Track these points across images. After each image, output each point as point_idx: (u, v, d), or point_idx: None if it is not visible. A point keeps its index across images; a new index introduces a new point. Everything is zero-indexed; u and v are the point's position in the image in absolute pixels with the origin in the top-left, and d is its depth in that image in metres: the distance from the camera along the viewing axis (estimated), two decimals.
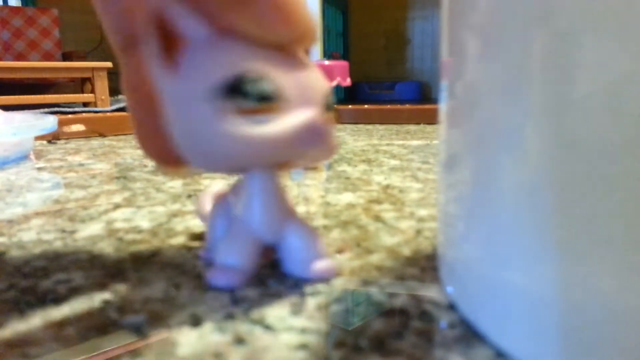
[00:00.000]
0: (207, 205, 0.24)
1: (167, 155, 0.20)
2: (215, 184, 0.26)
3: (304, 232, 0.20)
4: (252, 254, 0.20)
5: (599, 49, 0.11)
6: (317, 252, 0.20)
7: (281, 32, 0.17)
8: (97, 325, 0.17)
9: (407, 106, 0.99)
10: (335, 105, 0.20)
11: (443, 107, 0.18)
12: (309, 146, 0.17)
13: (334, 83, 0.72)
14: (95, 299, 0.19)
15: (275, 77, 0.17)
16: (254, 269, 0.20)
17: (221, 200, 0.21)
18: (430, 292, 0.19)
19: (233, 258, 0.19)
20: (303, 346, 0.15)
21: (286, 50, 0.18)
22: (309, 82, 0.18)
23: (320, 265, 0.20)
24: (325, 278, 0.20)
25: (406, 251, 0.24)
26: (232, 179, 0.22)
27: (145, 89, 0.19)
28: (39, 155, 0.59)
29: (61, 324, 0.17)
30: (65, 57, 1.59)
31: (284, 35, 0.17)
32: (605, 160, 0.12)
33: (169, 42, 0.17)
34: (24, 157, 0.56)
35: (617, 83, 0.11)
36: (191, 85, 0.17)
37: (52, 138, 0.73)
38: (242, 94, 0.17)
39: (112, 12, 0.20)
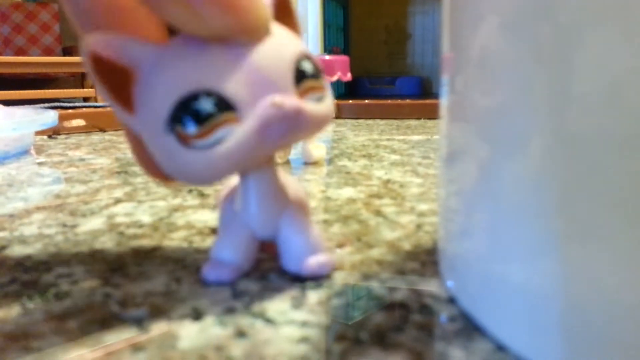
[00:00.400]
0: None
1: (159, 172, 0.19)
2: (235, 178, 0.26)
3: (300, 226, 0.20)
4: (247, 250, 0.20)
5: (601, 44, 0.11)
6: (313, 247, 0.20)
7: (219, 23, 0.15)
8: (99, 318, 0.17)
9: (408, 101, 0.98)
10: (317, 68, 0.18)
11: (444, 101, 0.18)
12: (279, 140, 0.16)
13: (334, 78, 0.72)
14: (97, 293, 0.19)
15: (218, 81, 0.16)
16: (249, 264, 0.20)
17: (230, 195, 0.21)
18: (430, 286, 0.19)
19: (227, 253, 0.19)
20: (304, 339, 0.15)
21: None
22: (262, 66, 0.16)
23: (316, 261, 0.19)
24: (321, 274, 0.19)
25: (406, 245, 0.24)
26: None
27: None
28: (39, 150, 0.59)
29: (63, 317, 0.17)
30: (66, 52, 1.59)
31: (223, 27, 0.16)
32: (607, 156, 0.12)
33: (120, 79, 0.17)
34: (24, 152, 0.56)
35: (618, 78, 0.11)
36: (145, 122, 0.17)
37: (53, 133, 0.73)
38: (185, 121, 0.16)
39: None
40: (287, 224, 0.19)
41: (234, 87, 0.16)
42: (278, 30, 0.17)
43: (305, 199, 0.21)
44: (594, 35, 0.12)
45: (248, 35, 0.16)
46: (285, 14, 0.19)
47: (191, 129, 0.16)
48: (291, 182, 0.21)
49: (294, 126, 0.16)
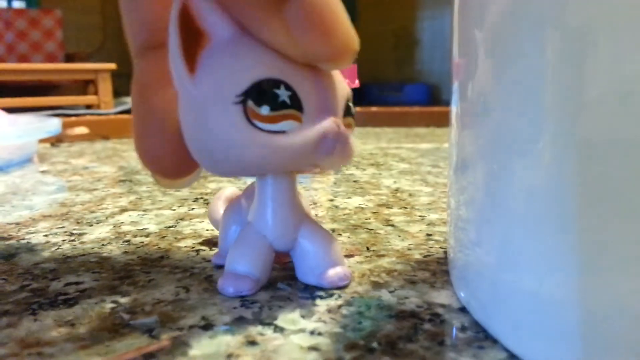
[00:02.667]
0: (220, 210, 0.24)
1: (165, 164, 0.19)
2: (228, 189, 0.26)
3: (317, 238, 0.20)
4: (264, 262, 0.19)
5: (612, 49, 0.12)
6: (331, 259, 0.20)
7: (314, 50, 0.16)
8: (109, 326, 0.17)
9: (416, 108, 0.99)
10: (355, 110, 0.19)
11: (454, 109, 0.18)
12: (326, 155, 0.17)
13: None
14: (106, 301, 0.19)
15: (296, 84, 0.17)
16: (267, 276, 0.20)
17: (234, 205, 0.21)
18: (441, 295, 0.19)
19: (244, 266, 0.19)
20: (314, 348, 0.15)
21: None
22: (329, 88, 0.17)
23: (334, 273, 0.19)
24: (340, 286, 0.19)
25: (416, 255, 0.24)
26: (242, 183, 0.22)
27: (156, 92, 0.19)
28: (42, 158, 0.59)
29: (73, 325, 0.17)
30: (68, 58, 1.59)
31: (317, 54, 0.16)
32: (620, 162, 0.12)
33: (192, 42, 0.17)
34: (27, 160, 0.56)
35: (630, 82, 0.11)
36: (210, 90, 0.17)
37: (56, 141, 0.73)
38: (260, 101, 0.16)
39: (137, 11, 0.19)
40: (304, 236, 0.19)
41: (308, 92, 0.17)
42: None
43: (310, 212, 0.21)
44: (605, 41, 0.12)
45: (338, 62, 0.17)
46: None
47: (265, 109, 0.16)
48: (302, 195, 0.21)
49: (341, 148, 0.17)
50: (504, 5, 0.14)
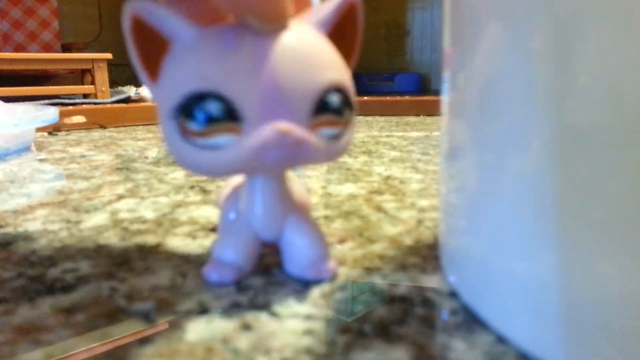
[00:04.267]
0: (226, 196, 0.24)
1: None
2: (237, 176, 0.26)
3: (303, 230, 0.19)
4: (250, 251, 0.19)
5: (601, 38, 0.12)
6: (316, 251, 0.19)
7: (245, 6, 0.15)
8: (106, 312, 0.17)
9: (407, 98, 0.99)
10: (346, 103, 0.17)
11: (445, 98, 0.19)
12: (272, 163, 0.16)
13: None
14: (103, 287, 0.19)
15: (238, 92, 0.15)
16: (251, 265, 0.20)
17: (235, 192, 0.21)
18: (432, 280, 0.19)
19: (229, 254, 0.19)
20: (308, 332, 0.16)
21: (273, 38, 0.16)
22: (287, 84, 0.16)
23: (319, 266, 0.19)
24: (324, 279, 0.19)
25: (408, 241, 0.24)
26: None
27: None
28: (40, 146, 0.60)
29: (70, 311, 0.17)
30: (65, 48, 1.59)
31: (245, 9, 0.15)
32: (607, 150, 0.12)
33: (154, 48, 0.17)
34: (25, 149, 0.57)
35: (618, 72, 0.12)
36: (162, 100, 0.17)
37: (53, 130, 0.73)
38: (190, 116, 0.16)
39: None
40: (291, 227, 0.19)
41: (248, 99, 0.15)
42: (319, 52, 0.17)
43: (308, 204, 0.21)
44: (594, 30, 0.12)
45: (264, 15, 0.16)
46: (349, 33, 0.19)
47: (193, 125, 0.16)
48: (296, 185, 0.21)
49: (292, 155, 0.16)
50: None
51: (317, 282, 0.19)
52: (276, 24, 0.16)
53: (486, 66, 0.15)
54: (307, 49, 0.16)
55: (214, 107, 0.15)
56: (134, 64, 0.17)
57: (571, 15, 0.12)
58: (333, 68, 0.17)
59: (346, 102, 0.17)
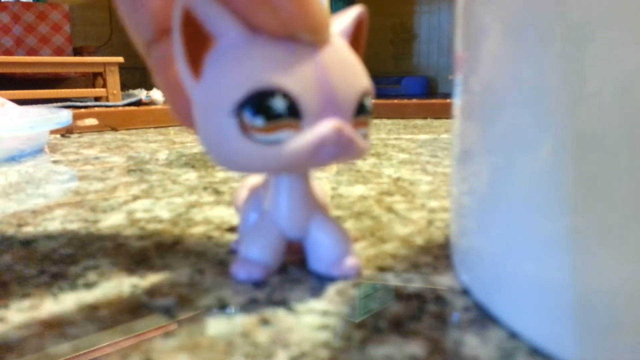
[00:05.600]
0: (243, 197, 0.25)
1: (191, 120, 0.19)
2: (252, 177, 0.26)
3: (329, 229, 0.20)
4: (276, 249, 0.20)
5: (612, 43, 0.12)
6: (341, 249, 0.20)
7: (291, 17, 0.16)
8: (129, 307, 0.18)
9: (414, 101, 0.99)
10: (372, 106, 0.19)
11: (457, 101, 0.19)
12: (327, 159, 0.17)
13: None
14: (125, 284, 0.20)
15: (297, 88, 0.16)
16: (277, 264, 0.20)
17: (254, 194, 0.22)
18: (444, 278, 0.20)
19: (257, 252, 0.20)
20: (325, 327, 0.16)
21: (320, 46, 0.17)
22: (337, 87, 0.17)
23: (345, 263, 0.20)
24: (350, 275, 0.20)
25: (419, 240, 0.24)
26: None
27: (171, 68, 0.19)
28: (53, 148, 0.60)
29: (94, 306, 0.18)
30: (76, 52, 1.60)
31: (295, 22, 0.16)
32: (618, 153, 0.12)
33: (198, 45, 0.17)
34: (39, 151, 0.57)
35: (630, 76, 0.12)
36: (210, 99, 0.17)
37: (66, 132, 0.74)
38: (255, 112, 0.16)
39: (136, 13, 0.20)
40: (316, 225, 0.20)
41: (308, 97, 0.16)
42: (354, 60, 0.18)
43: (327, 203, 0.22)
44: (605, 34, 0.12)
45: (316, 32, 0.17)
46: (356, 39, 0.20)
47: (258, 121, 0.16)
48: (317, 185, 0.21)
49: (343, 152, 0.17)
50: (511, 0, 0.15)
51: (343, 278, 0.20)
52: (322, 35, 0.17)
53: (498, 70, 0.16)
54: (349, 57, 0.18)
55: (280, 103, 0.16)
56: (178, 60, 0.17)
57: (583, 19, 0.12)
58: (364, 74, 0.18)
59: (372, 106, 0.19)
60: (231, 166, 0.18)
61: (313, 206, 0.20)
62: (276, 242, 0.20)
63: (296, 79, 0.16)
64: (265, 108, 0.16)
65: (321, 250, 0.20)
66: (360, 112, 0.18)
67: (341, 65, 0.17)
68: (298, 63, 0.16)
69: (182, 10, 0.16)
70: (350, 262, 0.20)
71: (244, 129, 0.16)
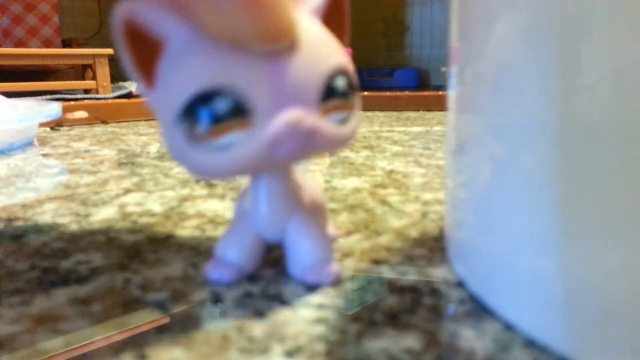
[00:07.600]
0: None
1: None
2: None
3: (308, 232, 0.19)
4: (251, 252, 0.19)
5: (608, 35, 0.12)
6: (320, 254, 0.19)
7: (240, 26, 0.14)
8: (122, 302, 0.18)
9: (407, 93, 0.99)
10: (351, 86, 0.17)
11: (452, 93, 0.19)
12: (288, 156, 0.16)
13: None
14: (117, 278, 0.19)
15: (246, 84, 0.15)
16: (253, 266, 0.19)
17: (244, 192, 0.21)
18: (439, 270, 0.20)
19: (231, 254, 0.19)
20: (321, 320, 0.16)
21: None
22: (294, 73, 0.15)
23: (320, 270, 0.19)
24: (324, 283, 0.19)
25: (413, 233, 0.24)
26: None
27: None
28: (43, 141, 0.60)
29: (86, 301, 0.18)
30: (65, 43, 1.58)
31: (243, 30, 0.14)
32: (613, 146, 0.12)
33: (147, 51, 0.16)
34: (28, 144, 0.57)
35: (625, 69, 0.12)
36: (162, 105, 0.16)
37: (55, 125, 0.73)
38: (197, 118, 0.15)
39: None
40: (294, 228, 0.19)
41: (255, 91, 0.15)
42: (321, 38, 0.16)
43: (322, 202, 0.20)
44: (602, 27, 0.12)
45: (268, 41, 0.15)
46: (337, 16, 0.18)
47: (202, 127, 0.15)
48: (309, 183, 0.20)
49: (306, 145, 0.16)
50: None
51: (317, 286, 0.19)
52: (279, 44, 0.15)
53: (495, 61, 0.15)
54: (309, 36, 0.16)
55: (221, 104, 0.15)
56: (129, 71, 0.16)
57: (579, 12, 0.12)
58: (334, 52, 0.17)
59: (350, 85, 0.17)
60: (193, 173, 0.17)
61: (294, 207, 0.19)
62: (253, 244, 0.19)
63: (242, 73, 0.15)
64: (206, 111, 0.15)
65: (298, 253, 0.19)
66: (331, 95, 0.16)
67: (301, 47, 0.15)
68: (243, 55, 0.15)
69: (122, 21, 0.15)
70: (328, 268, 0.19)
71: (192, 136, 0.15)
